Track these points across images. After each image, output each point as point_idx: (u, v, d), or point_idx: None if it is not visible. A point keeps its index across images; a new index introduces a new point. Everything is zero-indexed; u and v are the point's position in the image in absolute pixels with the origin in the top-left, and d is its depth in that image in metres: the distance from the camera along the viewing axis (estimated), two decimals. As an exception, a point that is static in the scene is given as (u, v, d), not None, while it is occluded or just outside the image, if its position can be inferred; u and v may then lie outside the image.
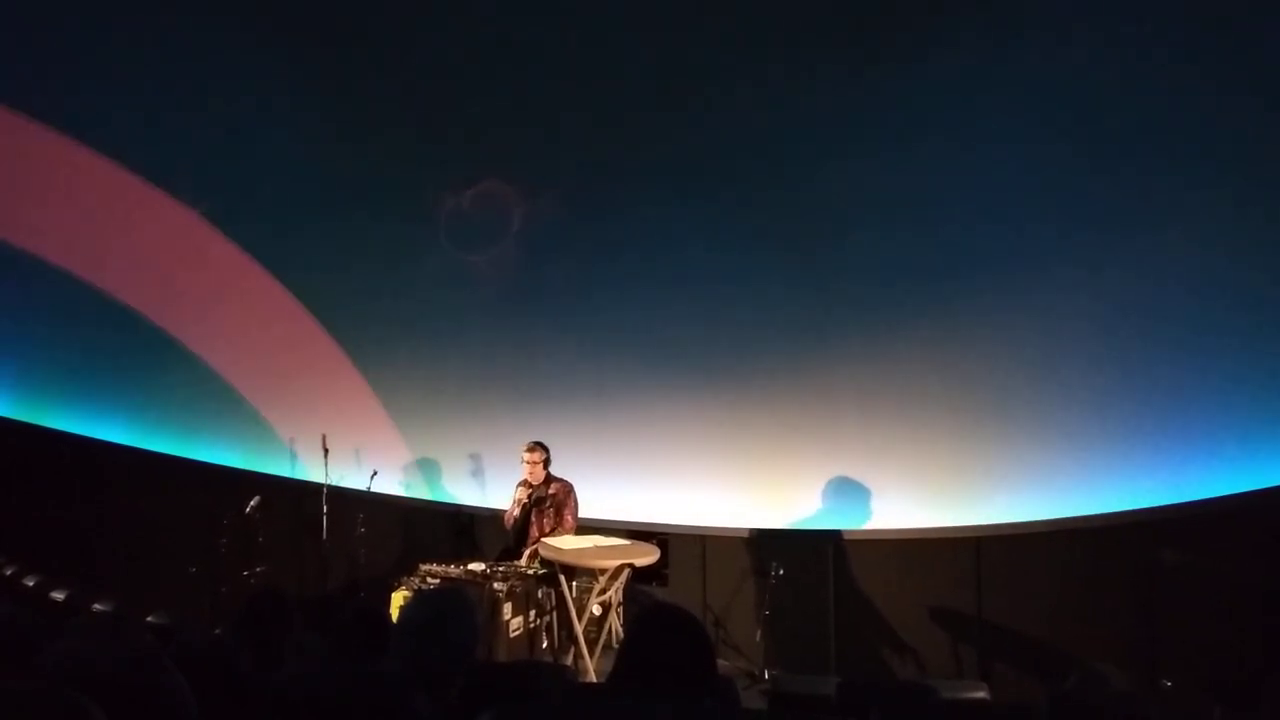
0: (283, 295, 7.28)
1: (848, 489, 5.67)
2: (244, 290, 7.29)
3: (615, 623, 5.46)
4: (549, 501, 5.76)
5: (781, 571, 5.44)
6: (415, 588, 5.11)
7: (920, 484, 5.47)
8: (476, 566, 5.40)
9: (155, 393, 7.61)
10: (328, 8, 6.41)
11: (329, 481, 6.34)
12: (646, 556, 5.33)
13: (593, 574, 5.28)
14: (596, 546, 5.34)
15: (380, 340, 7.23)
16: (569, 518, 5.73)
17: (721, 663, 5.47)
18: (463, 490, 7.09)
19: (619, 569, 5.24)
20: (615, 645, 5.19)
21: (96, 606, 4.65)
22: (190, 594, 6.33)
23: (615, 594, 5.44)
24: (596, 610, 5.41)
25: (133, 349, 7.54)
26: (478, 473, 7.02)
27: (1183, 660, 4.30)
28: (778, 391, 5.89)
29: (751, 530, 5.86)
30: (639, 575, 5.66)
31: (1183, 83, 4.47)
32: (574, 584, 5.40)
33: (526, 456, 5.76)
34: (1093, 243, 4.87)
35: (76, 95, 6.85)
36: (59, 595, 5.08)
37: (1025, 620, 4.94)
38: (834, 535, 5.58)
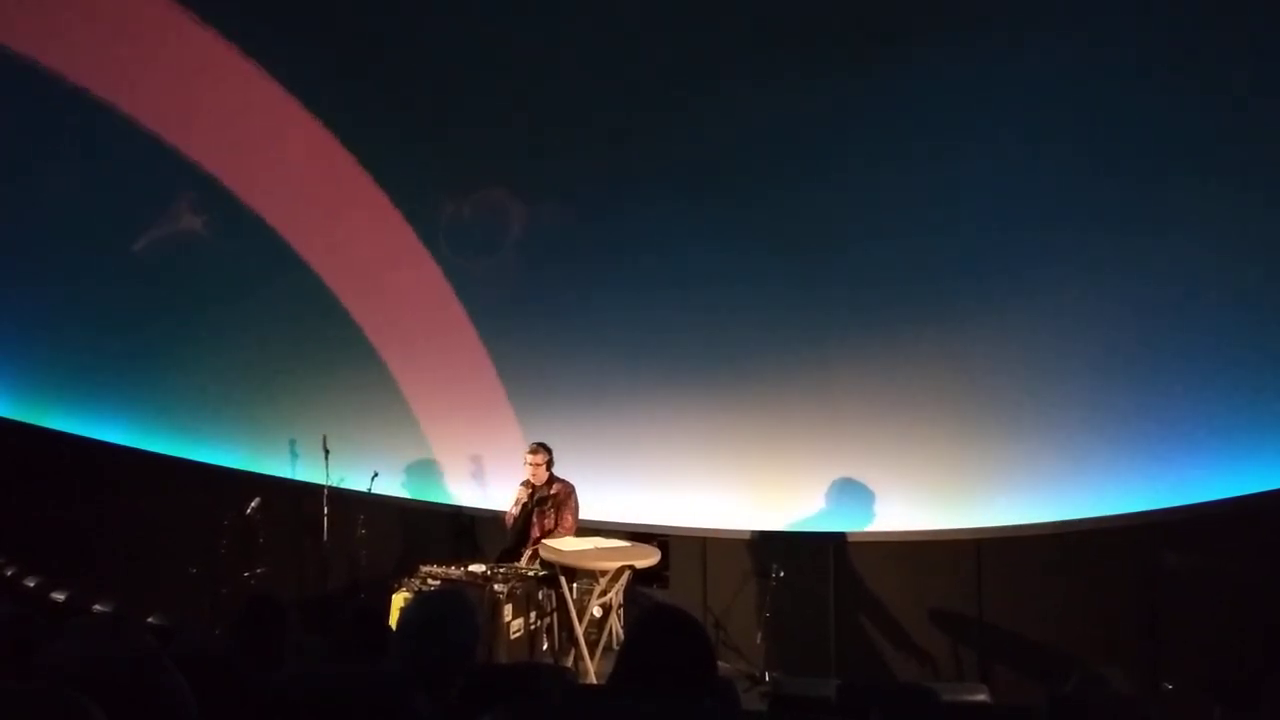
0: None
1: (848, 491, 5.66)
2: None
3: (616, 624, 5.45)
4: (550, 502, 5.76)
5: (782, 573, 5.44)
6: (415, 589, 5.09)
7: (921, 486, 5.46)
8: (477, 568, 5.39)
9: (155, 393, 7.61)
10: (327, 9, 6.41)
11: (329, 482, 6.35)
12: (647, 558, 5.32)
13: (593, 575, 5.27)
14: (597, 548, 5.33)
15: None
16: (569, 519, 5.72)
17: (722, 665, 5.46)
18: (463, 491, 7.09)
19: (619, 571, 5.23)
20: (616, 647, 5.18)
21: (97, 607, 4.65)
22: (190, 595, 6.31)
23: (616, 596, 5.43)
24: (597, 612, 5.40)
25: (133, 349, 7.54)
26: (478, 473, 7.02)
27: (1184, 662, 4.29)
28: (778, 393, 5.88)
29: (752, 532, 5.85)
30: (639, 577, 5.65)
31: (1183, 83, 4.47)
32: (574, 585, 5.39)
33: (529, 458, 5.76)
34: (1094, 243, 4.86)
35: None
36: (59, 596, 5.08)
37: (1026, 622, 4.94)
38: (835, 537, 5.58)
